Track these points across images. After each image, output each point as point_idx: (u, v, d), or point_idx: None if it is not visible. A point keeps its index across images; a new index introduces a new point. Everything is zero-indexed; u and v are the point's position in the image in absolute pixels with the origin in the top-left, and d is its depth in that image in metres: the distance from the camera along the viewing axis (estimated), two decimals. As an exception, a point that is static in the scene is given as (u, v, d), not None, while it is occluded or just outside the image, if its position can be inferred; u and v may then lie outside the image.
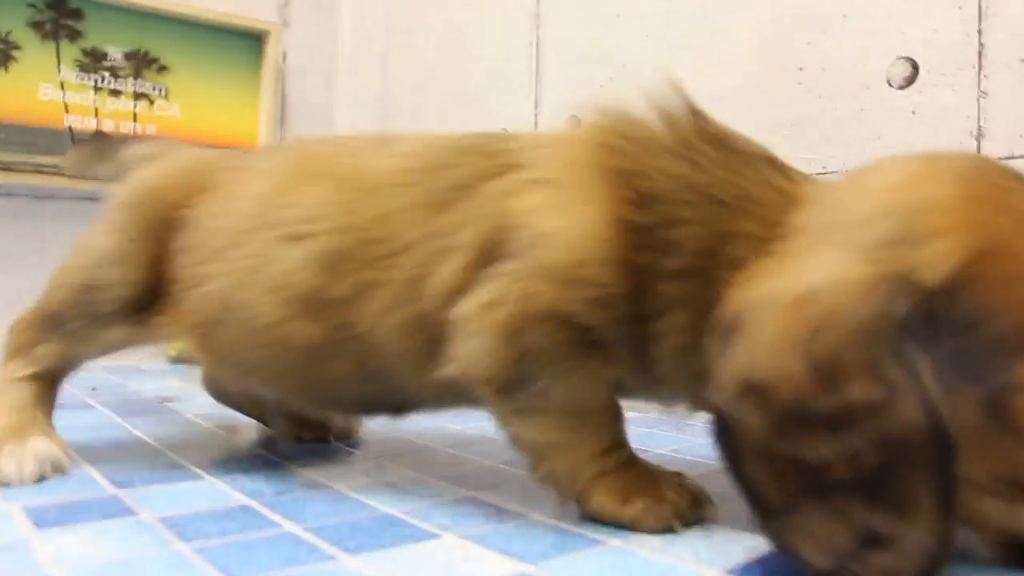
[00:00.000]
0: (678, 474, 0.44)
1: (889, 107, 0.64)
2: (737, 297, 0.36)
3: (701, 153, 0.41)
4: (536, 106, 0.94)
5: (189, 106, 1.25)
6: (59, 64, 1.17)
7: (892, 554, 0.31)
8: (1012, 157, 0.57)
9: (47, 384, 0.57)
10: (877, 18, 0.65)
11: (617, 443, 0.44)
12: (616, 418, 0.45)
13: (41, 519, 0.42)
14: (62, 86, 1.17)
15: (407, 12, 1.23)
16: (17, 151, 1.14)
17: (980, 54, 0.59)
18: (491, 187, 0.44)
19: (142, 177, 0.58)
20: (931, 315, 0.31)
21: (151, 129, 1.23)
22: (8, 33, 1.13)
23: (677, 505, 0.42)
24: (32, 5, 1.14)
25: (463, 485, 0.51)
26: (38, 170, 1.15)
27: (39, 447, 0.51)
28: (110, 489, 0.48)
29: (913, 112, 0.63)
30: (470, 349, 0.42)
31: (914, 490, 0.31)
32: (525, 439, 0.44)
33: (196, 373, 0.73)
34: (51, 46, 1.16)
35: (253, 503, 0.45)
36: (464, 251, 0.43)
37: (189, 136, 1.24)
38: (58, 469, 0.51)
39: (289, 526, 0.41)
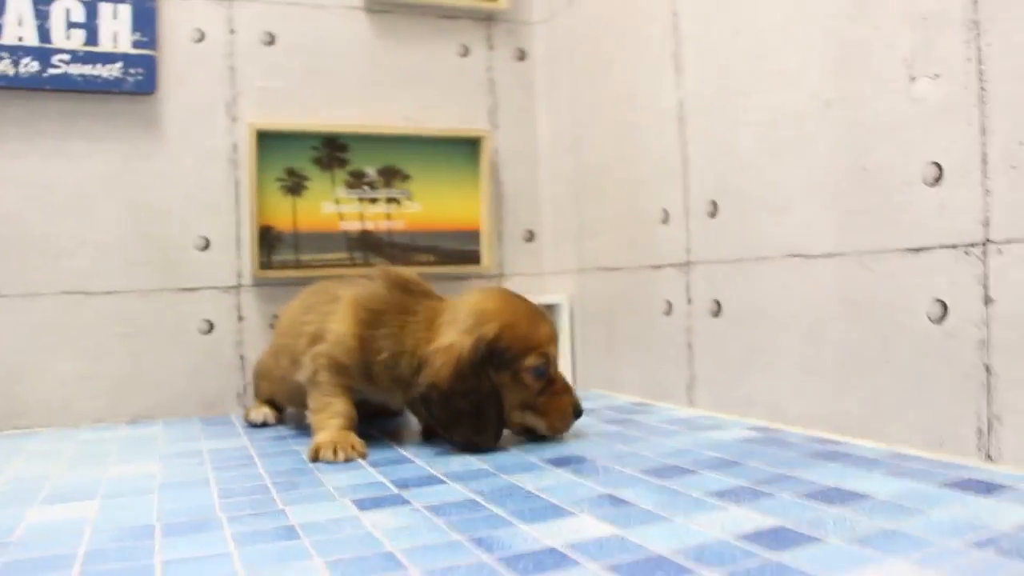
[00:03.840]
0: (356, 441, 1.21)
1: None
2: (421, 350, 1.20)
3: (397, 293, 1.27)
4: (686, 191, 1.48)
5: (428, 202, 1.88)
6: (334, 185, 1.83)
7: (484, 435, 1.18)
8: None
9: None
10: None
11: (342, 420, 1.24)
12: (347, 405, 1.26)
13: (362, 504, 0.91)
14: (336, 201, 1.82)
15: (590, 110, 1.83)
16: (311, 252, 1.79)
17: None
18: (323, 311, 1.30)
19: None
20: (490, 349, 1.17)
21: (400, 224, 1.86)
22: (301, 169, 1.80)
23: (347, 453, 1.17)
24: (314, 147, 1.81)
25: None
26: (324, 264, 1.79)
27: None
28: (394, 489, 0.98)
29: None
30: (304, 369, 1.28)
31: (488, 413, 1.17)
32: (310, 406, 1.27)
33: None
34: (328, 174, 1.82)
35: (476, 497, 0.91)
36: (307, 336, 1.30)
37: (430, 226, 1.87)
38: (363, 457, 1.19)
39: (495, 509, 0.86)
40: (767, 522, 0.80)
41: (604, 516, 0.84)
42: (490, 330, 1.18)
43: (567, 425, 1.24)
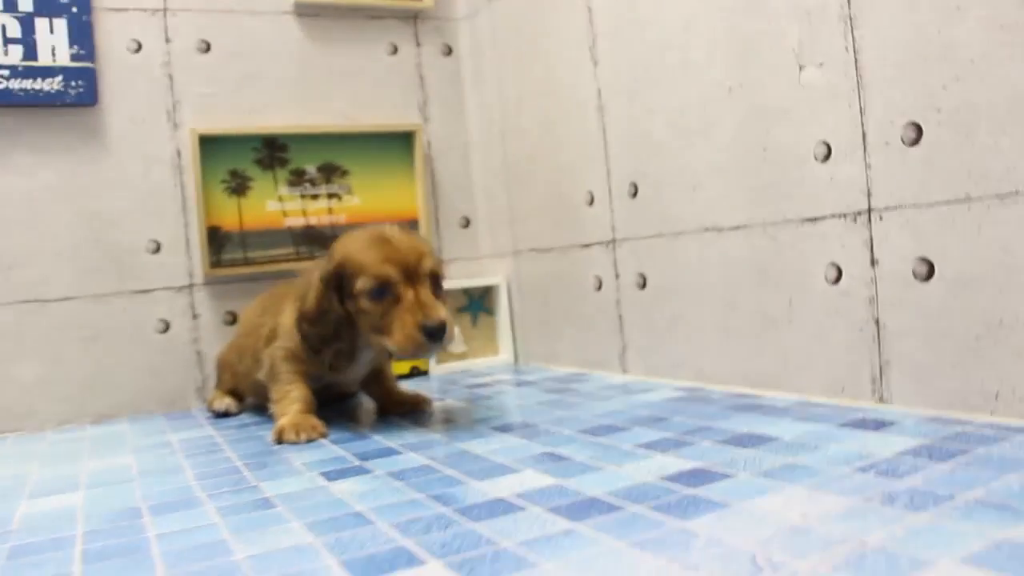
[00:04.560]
0: (316, 422, 1.31)
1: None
2: None
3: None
4: (609, 175, 1.60)
5: (367, 195, 1.97)
6: (276, 184, 1.91)
7: (340, 358, 1.36)
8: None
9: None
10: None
11: (301, 404, 1.35)
12: (304, 390, 1.38)
13: (329, 476, 1.01)
14: (280, 199, 1.91)
15: (516, 101, 1.94)
16: (258, 249, 1.88)
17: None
18: (275, 310, 1.44)
19: None
20: (336, 278, 1.29)
21: (342, 218, 1.96)
22: (244, 170, 1.88)
23: (308, 433, 1.28)
24: (255, 148, 1.89)
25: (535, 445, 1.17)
26: (272, 260, 1.88)
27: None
28: (357, 461, 1.08)
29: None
30: (263, 366, 1.42)
31: (343, 336, 1.32)
32: (272, 397, 1.38)
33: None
34: (270, 173, 1.91)
35: (431, 463, 1.03)
36: (264, 336, 1.44)
37: (370, 218, 1.96)
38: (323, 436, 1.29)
39: (449, 471, 0.97)
40: (687, 465, 0.92)
41: (545, 470, 0.96)
42: (332, 261, 1.29)
43: (415, 344, 1.24)
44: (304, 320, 1.31)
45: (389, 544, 0.74)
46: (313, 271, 1.33)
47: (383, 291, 1.25)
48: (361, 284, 1.26)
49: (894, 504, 0.72)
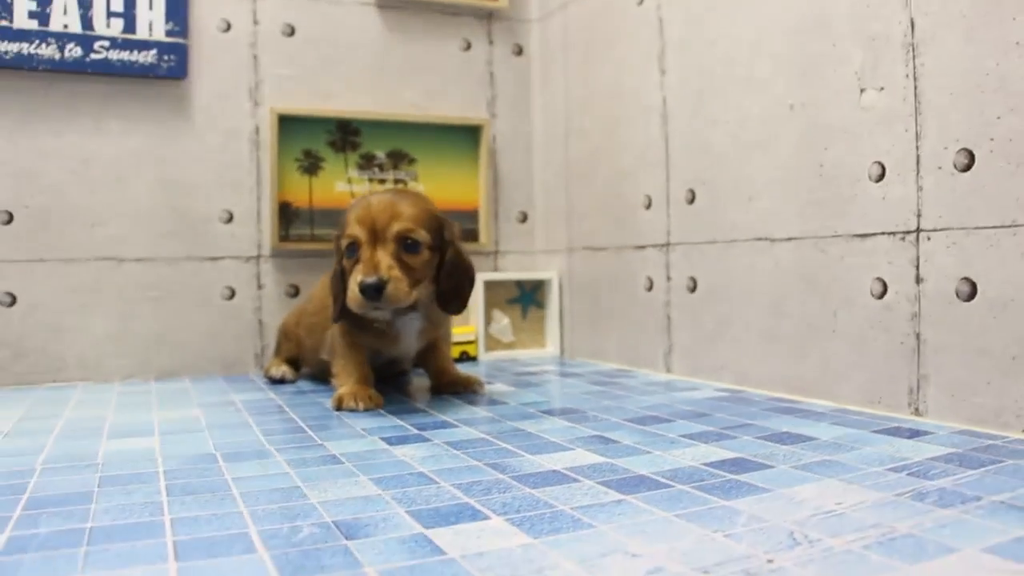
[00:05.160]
0: (374, 392, 1.38)
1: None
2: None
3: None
4: (668, 180, 1.65)
5: (432, 184, 2.04)
6: (346, 167, 1.99)
7: (334, 309, 1.40)
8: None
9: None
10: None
11: (359, 375, 1.42)
12: (364, 363, 1.44)
13: (390, 441, 1.08)
14: (349, 181, 1.98)
15: (581, 103, 1.99)
16: (325, 227, 1.95)
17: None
18: None
19: None
20: (337, 234, 1.37)
21: (406, 204, 2.02)
22: (317, 151, 1.96)
23: (366, 403, 1.35)
24: (329, 131, 1.97)
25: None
26: (337, 241, 1.96)
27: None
28: (415, 430, 1.15)
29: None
30: (326, 343, 1.52)
31: (340, 290, 1.36)
32: (333, 371, 1.45)
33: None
34: (341, 155, 1.98)
35: (487, 436, 1.09)
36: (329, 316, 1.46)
37: (432, 206, 2.03)
38: (378, 406, 1.35)
39: (504, 445, 1.03)
40: (729, 455, 0.97)
41: (595, 450, 1.01)
42: (347, 220, 1.34)
43: (356, 301, 1.28)
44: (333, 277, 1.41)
45: (453, 500, 0.81)
46: None
47: (352, 250, 1.32)
48: (342, 243, 1.34)
49: (923, 500, 0.77)
